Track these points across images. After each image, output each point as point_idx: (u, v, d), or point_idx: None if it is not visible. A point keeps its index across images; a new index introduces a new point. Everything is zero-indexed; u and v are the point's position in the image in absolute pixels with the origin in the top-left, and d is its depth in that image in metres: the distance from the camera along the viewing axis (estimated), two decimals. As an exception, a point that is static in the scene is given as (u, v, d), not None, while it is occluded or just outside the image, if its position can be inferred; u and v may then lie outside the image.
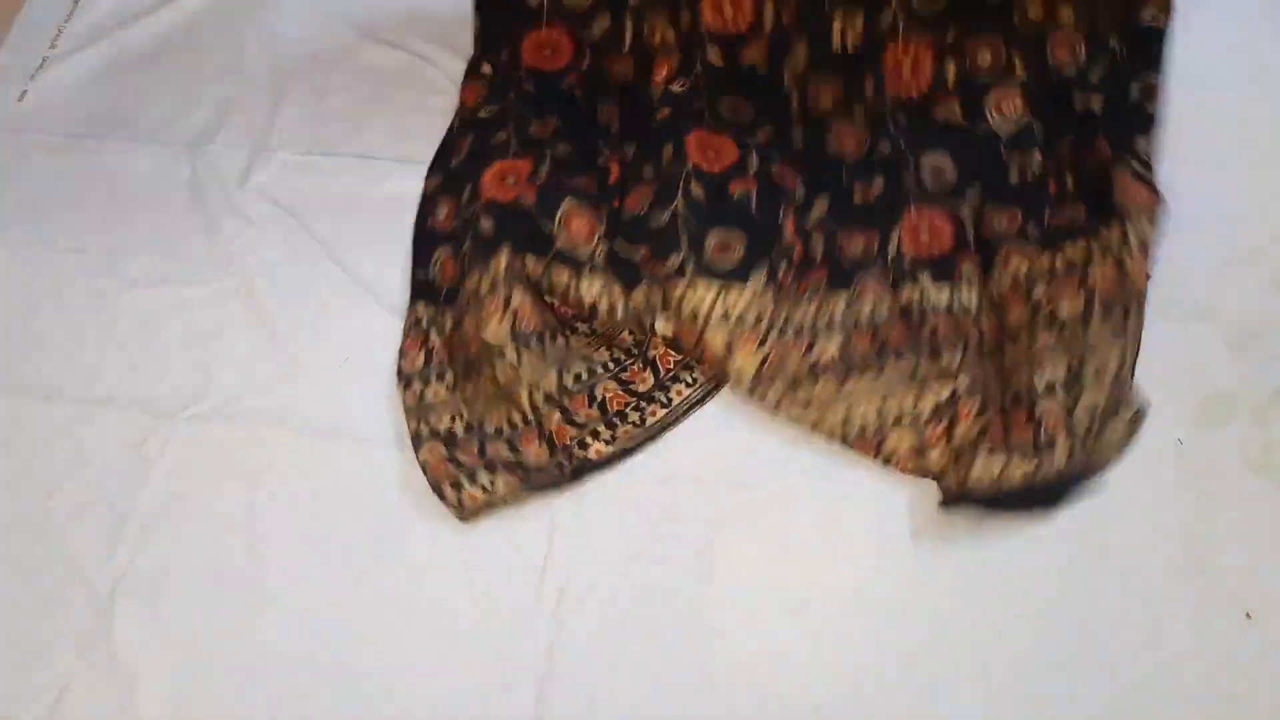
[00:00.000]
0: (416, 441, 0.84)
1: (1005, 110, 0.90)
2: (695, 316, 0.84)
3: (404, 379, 0.87)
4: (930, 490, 0.79)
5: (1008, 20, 0.91)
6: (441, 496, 0.81)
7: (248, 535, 0.80)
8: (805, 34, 0.93)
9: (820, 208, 0.91)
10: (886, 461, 0.80)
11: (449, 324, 0.89)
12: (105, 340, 0.90)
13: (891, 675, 0.74)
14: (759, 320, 0.84)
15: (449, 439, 0.84)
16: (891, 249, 0.88)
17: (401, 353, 0.88)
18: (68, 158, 1.01)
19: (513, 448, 0.83)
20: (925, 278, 0.87)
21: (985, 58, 0.91)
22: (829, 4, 0.92)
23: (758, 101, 0.96)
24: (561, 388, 0.85)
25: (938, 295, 0.86)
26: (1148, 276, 0.82)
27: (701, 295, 0.85)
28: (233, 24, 1.09)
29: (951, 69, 0.91)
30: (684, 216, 0.88)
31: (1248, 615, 0.74)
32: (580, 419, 0.84)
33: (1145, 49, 0.91)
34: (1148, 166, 0.86)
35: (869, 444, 0.81)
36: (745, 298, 0.85)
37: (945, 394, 0.81)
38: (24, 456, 0.85)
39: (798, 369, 0.83)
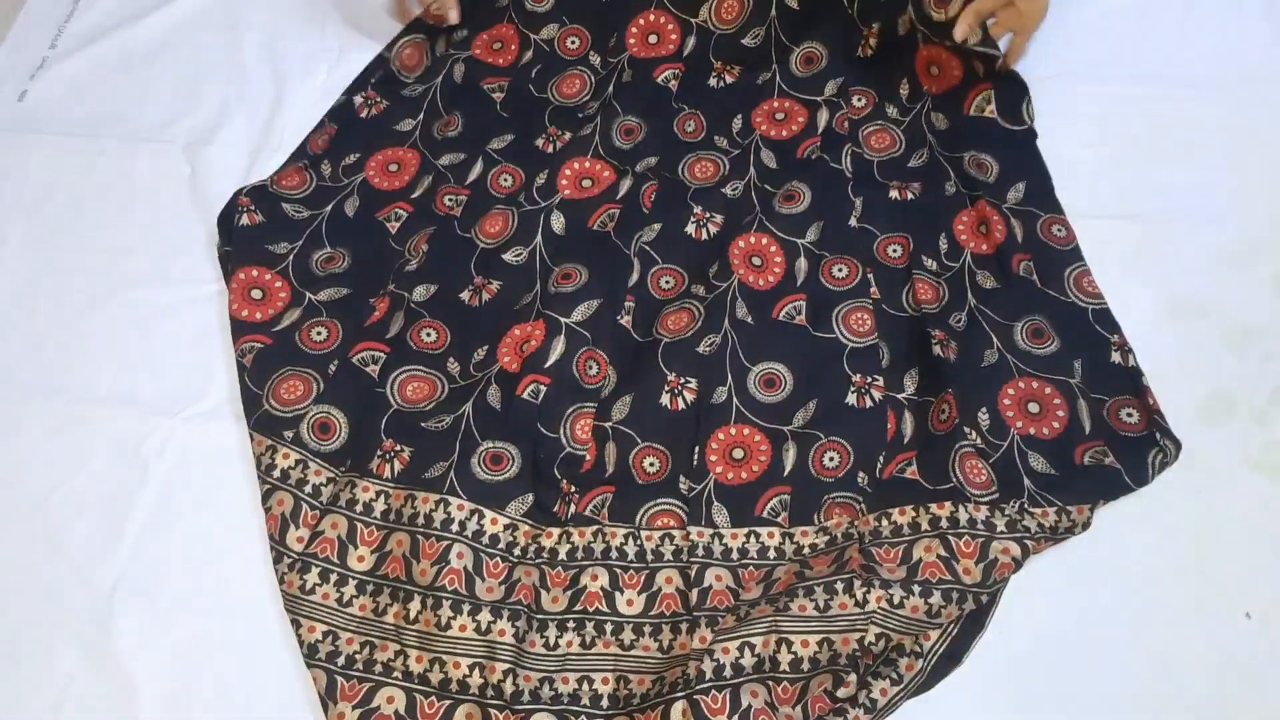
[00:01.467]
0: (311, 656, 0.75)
1: (854, 327, 0.85)
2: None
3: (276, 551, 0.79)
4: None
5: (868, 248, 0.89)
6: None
7: (247, 535, 0.80)
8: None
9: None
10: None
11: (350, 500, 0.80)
12: (105, 340, 0.90)
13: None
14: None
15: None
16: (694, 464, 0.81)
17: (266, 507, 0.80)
18: (68, 158, 1.01)
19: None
20: (723, 514, 0.79)
21: (841, 270, 0.88)
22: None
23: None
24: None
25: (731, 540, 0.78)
26: (998, 568, 0.73)
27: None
28: (233, 24, 1.09)
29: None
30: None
31: (1248, 615, 0.74)
32: None
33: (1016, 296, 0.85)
34: (989, 446, 0.78)
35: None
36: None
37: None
38: (24, 456, 0.85)
39: None
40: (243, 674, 0.76)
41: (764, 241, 0.90)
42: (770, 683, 0.71)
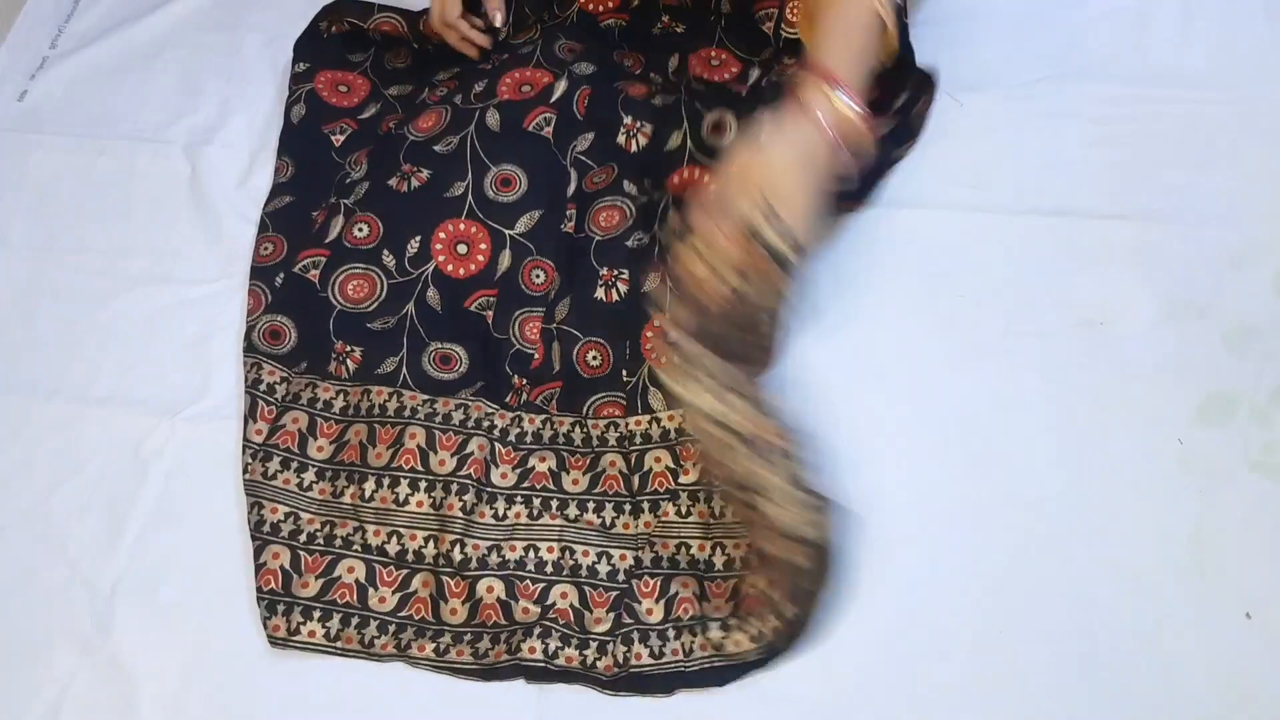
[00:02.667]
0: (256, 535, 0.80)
1: None
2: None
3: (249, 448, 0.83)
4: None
5: None
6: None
7: (247, 535, 0.80)
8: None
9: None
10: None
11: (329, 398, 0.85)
12: (105, 340, 0.90)
13: (891, 676, 0.74)
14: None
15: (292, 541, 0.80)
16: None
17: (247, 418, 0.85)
18: (68, 158, 1.01)
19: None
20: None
21: None
22: None
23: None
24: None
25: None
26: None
27: None
28: (233, 24, 1.09)
29: None
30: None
31: (1248, 615, 0.74)
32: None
33: None
34: None
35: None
36: None
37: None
38: (24, 456, 0.85)
39: None
40: (243, 674, 0.76)
41: (698, 174, 0.90)
42: (704, 580, 0.77)
